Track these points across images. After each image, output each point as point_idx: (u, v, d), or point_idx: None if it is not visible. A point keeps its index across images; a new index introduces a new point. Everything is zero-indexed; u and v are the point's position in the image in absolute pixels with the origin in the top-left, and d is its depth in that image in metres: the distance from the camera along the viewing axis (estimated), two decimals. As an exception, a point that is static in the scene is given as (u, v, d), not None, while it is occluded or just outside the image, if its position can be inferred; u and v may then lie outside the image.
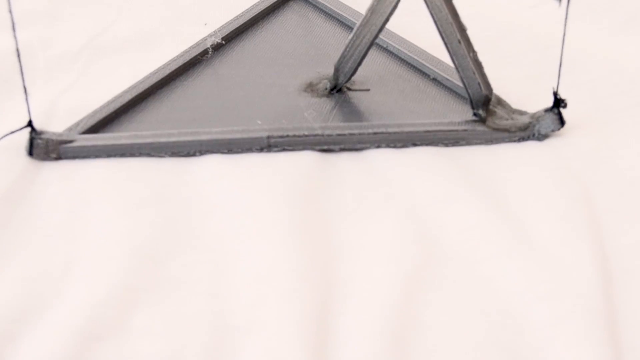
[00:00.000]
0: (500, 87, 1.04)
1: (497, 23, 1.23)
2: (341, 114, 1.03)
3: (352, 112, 1.04)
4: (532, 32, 1.20)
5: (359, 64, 1.04)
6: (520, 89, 1.07)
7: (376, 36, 1.02)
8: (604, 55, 1.14)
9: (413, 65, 1.12)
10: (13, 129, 0.96)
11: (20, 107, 0.97)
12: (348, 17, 1.21)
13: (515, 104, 1.04)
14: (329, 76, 1.08)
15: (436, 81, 1.09)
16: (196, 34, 1.19)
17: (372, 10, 1.00)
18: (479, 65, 0.99)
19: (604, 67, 1.11)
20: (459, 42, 0.97)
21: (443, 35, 0.98)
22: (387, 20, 1.00)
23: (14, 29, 0.90)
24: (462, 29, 0.98)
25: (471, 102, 1.00)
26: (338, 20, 1.22)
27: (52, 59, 1.16)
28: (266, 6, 1.24)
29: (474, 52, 0.99)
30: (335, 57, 1.07)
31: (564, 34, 0.95)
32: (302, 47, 1.17)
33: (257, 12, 1.22)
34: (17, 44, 0.91)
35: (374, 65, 1.11)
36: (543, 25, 1.20)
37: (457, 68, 0.99)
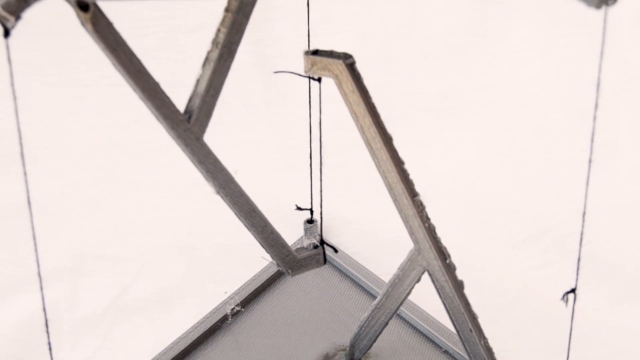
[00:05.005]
0: (509, 360, 1.08)
1: (505, 288, 1.25)
2: (357, 393, 1.07)
3: (367, 391, 1.07)
4: (540, 299, 1.22)
5: (374, 341, 1.08)
6: (528, 364, 1.11)
7: (391, 317, 1.06)
8: (611, 327, 1.17)
9: (425, 335, 1.15)
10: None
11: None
12: (361, 277, 1.25)
13: (523, 381, 1.07)
14: (344, 347, 1.12)
15: (447, 354, 1.12)
16: (216, 292, 1.24)
17: (387, 295, 1.04)
18: (489, 352, 1.03)
19: (612, 341, 1.14)
20: (471, 330, 1.01)
21: (455, 323, 1.01)
22: (401, 303, 1.04)
23: (42, 299, 0.93)
24: (473, 317, 1.02)
25: (482, 386, 1.04)
26: (353, 280, 1.26)
27: (77, 322, 1.20)
28: (283, 265, 1.28)
29: (484, 338, 1.02)
30: (351, 324, 1.11)
31: (572, 321, 0.98)
32: (319, 312, 1.20)
33: (275, 272, 1.26)
34: (45, 315, 0.94)
35: (387, 334, 1.15)
36: (551, 289, 1.23)
37: (468, 354, 1.02)
